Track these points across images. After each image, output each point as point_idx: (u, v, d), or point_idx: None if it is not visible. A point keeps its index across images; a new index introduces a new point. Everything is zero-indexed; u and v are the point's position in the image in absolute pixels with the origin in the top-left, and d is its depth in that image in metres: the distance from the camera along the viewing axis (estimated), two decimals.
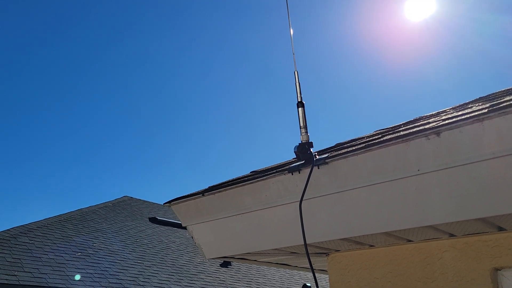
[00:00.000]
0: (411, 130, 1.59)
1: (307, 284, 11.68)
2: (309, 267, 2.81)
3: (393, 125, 2.35)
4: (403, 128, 1.93)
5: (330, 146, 2.22)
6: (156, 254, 10.28)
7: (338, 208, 1.75)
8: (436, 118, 1.93)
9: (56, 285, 7.01)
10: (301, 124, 1.88)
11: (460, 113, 1.75)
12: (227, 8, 16.85)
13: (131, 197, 14.75)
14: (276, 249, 2.06)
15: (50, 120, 20.27)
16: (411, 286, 1.93)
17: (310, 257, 2.38)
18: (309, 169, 1.72)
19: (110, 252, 9.35)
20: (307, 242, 1.81)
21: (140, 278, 8.44)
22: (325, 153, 1.86)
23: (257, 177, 1.92)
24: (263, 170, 2.13)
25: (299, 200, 1.72)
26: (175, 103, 21.90)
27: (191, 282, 9.22)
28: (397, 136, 1.59)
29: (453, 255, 1.86)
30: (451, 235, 1.86)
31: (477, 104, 2.04)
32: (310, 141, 1.86)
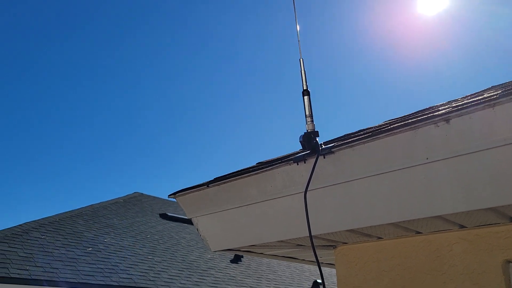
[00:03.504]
0: (420, 118, 1.55)
1: (318, 281, 11.64)
2: (315, 262, 2.78)
3: (403, 115, 2.30)
4: (413, 117, 1.88)
5: (338, 137, 2.18)
6: (167, 249, 10.32)
7: (345, 198, 1.71)
8: (446, 106, 1.88)
9: (67, 280, 7.06)
10: (307, 113, 1.84)
11: (470, 100, 1.70)
12: None
13: (142, 193, 14.82)
14: (282, 241, 2.02)
15: (60, 116, 20.48)
16: (420, 279, 1.89)
17: (317, 250, 2.34)
18: (314, 159, 1.69)
19: (121, 247, 9.40)
20: (313, 234, 1.77)
21: (150, 274, 8.48)
22: (331, 143, 1.82)
23: (262, 168, 1.88)
24: (269, 161, 2.09)
25: (304, 190, 1.69)
26: (184, 98, 21.96)
27: (201, 277, 9.23)
28: (405, 123, 1.54)
29: (464, 247, 1.81)
30: (462, 227, 1.81)
31: (489, 92, 1.98)
32: (316, 130, 1.82)
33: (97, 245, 9.04)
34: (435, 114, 1.51)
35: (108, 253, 8.81)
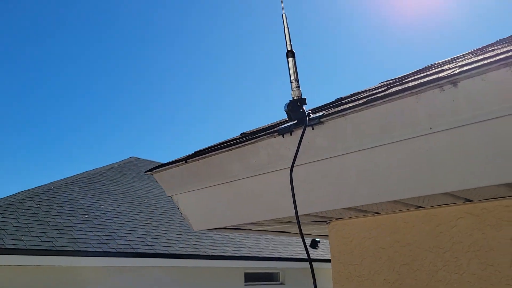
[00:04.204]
0: (422, 80, 1.32)
1: (316, 239, 11.71)
2: (310, 234, 2.62)
3: (401, 75, 2.07)
4: (412, 78, 1.65)
5: (329, 102, 1.96)
6: (164, 214, 10.28)
7: (338, 174, 1.52)
8: (451, 64, 1.65)
9: (64, 249, 7.01)
10: (292, 78, 1.60)
11: (480, 57, 1.47)
12: None
13: (138, 158, 14.69)
14: (270, 219, 1.85)
15: (56, 83, 20.07)
16: (421, 256, 1.73)
17: (310, 225, 2.18)
18: (301, 130, 1.48)
19: (118, 213, 9.34)
20: (303, 213, 1.59)
21: (148, 239, 8.45)
22: (321, 111, 1.61)
23: (245, 141, 1.68)
24: (253, 131, 1.89)
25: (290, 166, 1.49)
26: (180, 59, 21.47)
27: (199, 240, 9.23)
28: (405, 88, 1.32)
29: (470, 222, 1.64)
30: (467, 200, 1.63)
31: (499, 47, 1.74)
32: (303, 97, 1.59)
33: (93, 212, 8.97)
34: (440, 76, 1.29)
35: (104, 220, 8.75)
